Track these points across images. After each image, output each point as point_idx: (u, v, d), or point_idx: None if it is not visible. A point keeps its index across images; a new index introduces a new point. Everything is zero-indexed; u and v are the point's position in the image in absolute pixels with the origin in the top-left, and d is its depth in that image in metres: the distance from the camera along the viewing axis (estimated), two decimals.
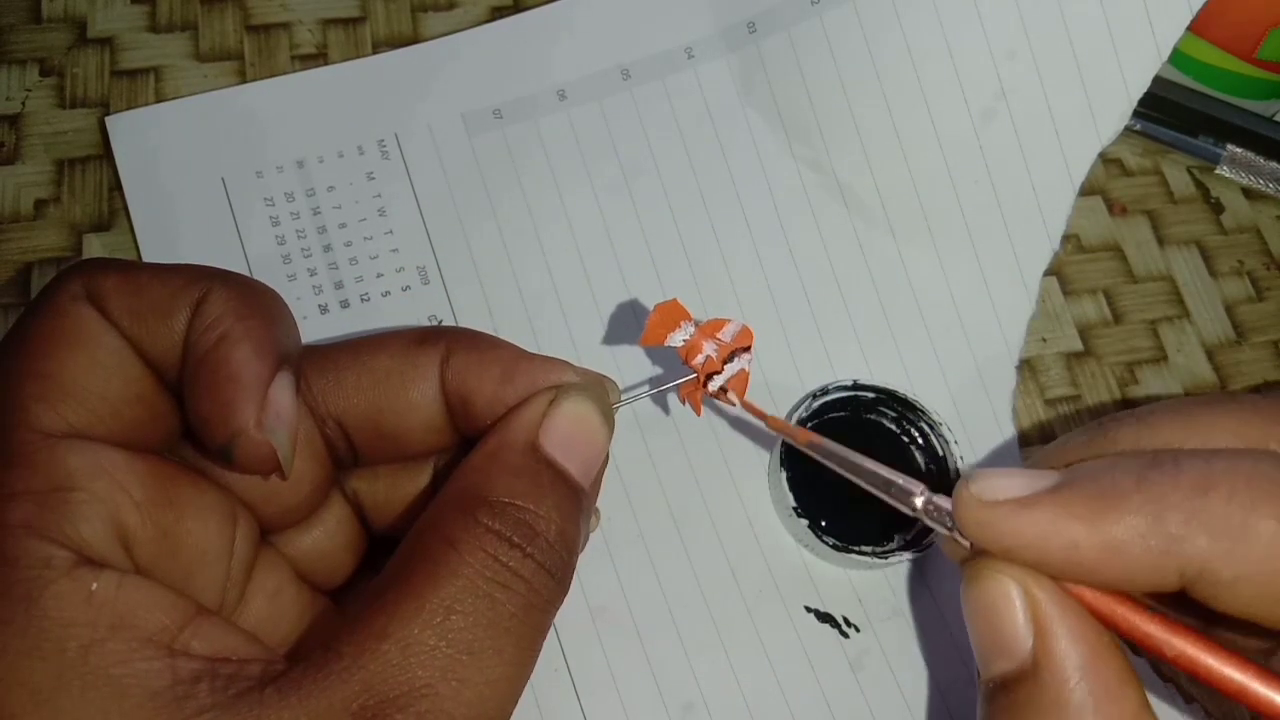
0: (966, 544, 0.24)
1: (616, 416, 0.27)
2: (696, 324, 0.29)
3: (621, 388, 0.38)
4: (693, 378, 0.29)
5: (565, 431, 0.25)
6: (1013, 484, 0.23)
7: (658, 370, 0.39)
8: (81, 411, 0.22)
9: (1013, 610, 0.22)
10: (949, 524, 0.24)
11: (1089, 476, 0.23)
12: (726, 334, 0.29)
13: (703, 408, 0.29)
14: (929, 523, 0.24)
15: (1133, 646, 0.23)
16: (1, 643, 0.19)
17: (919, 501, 0.24)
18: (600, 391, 0.26)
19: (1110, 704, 0.22)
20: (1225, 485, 0.22)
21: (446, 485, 0.24)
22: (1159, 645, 0.22)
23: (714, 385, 0.29)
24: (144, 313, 0.23)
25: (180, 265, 0.24)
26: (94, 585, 0.20)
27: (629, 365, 0.39)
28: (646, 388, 0.29)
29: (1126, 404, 0.41)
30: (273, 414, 0.22)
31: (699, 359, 0.29)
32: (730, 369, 0.29)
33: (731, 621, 0.36)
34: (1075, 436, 0.26)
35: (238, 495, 0.25)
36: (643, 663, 0.36)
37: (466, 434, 0.27)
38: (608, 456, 0.27)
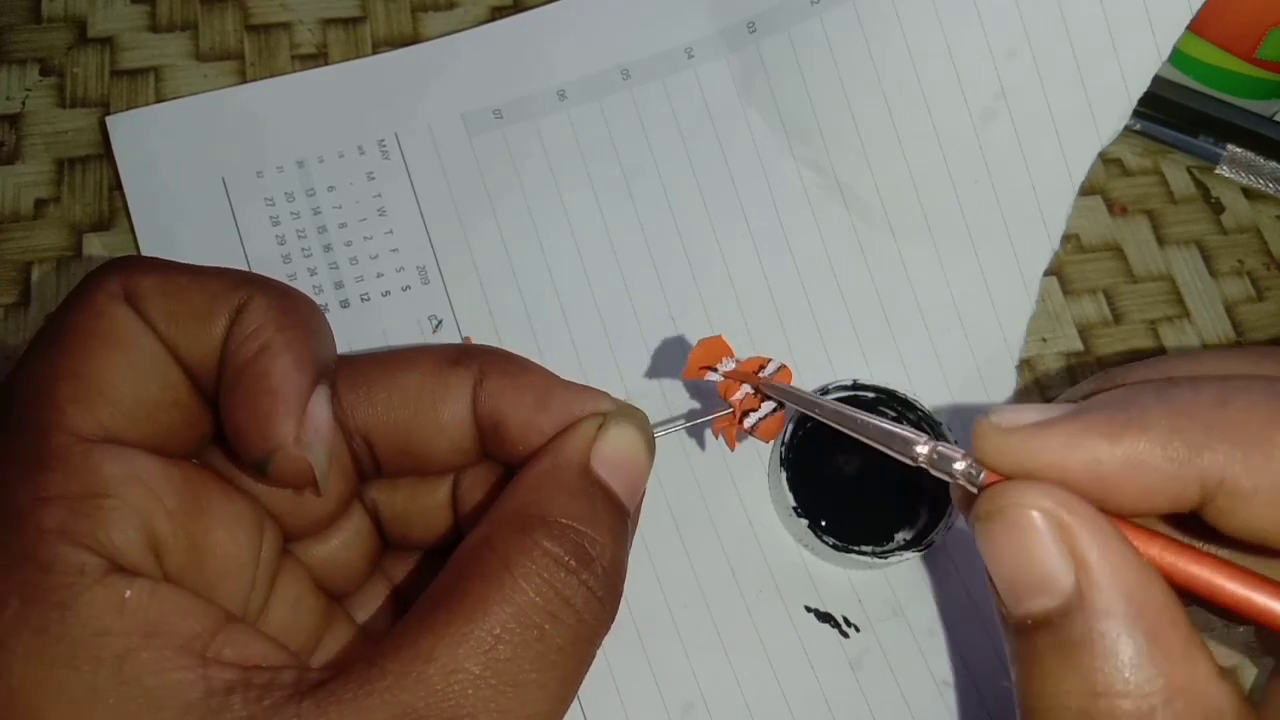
0: (975, 489, 0.23)
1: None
2: (737, 361, 0.29)
3: (626, 392, 0.39)
4: (728, 413, 0.29)
5: (615, 456, 0.25)
6: (1031, 412, 0.22)
7: (660, 373, 0.39)
8: (117, 415, 0.22)
9: (1044, 541, 0.21)
10: (954, 473, 0.23)
11: (1108, 399, 0.22)
12: (766, 373, 0.29)
13: (737, 443, 0.29)
14: (934, 472, 0.24)
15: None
16: (37, 650, 0.19)
17: (923, 450, 0.24)
18: (643, 418, 0.26)
19: (1165, 631, 0.21)
20: (1245, 398, 0.21)
21: (499, 502, 0.24)
22: (1185, 575, 0.21)
23: (749, 422, 0.29)
24: (182, 316, 0.23)
25: (219, 269, 0.24)
26: (127, 593, 0.20)
27: (630, 366, 0.39)
28: (683, 421, 0.29)
29: None
30: (311, 429, 0.22)
31: (737, 396, 0.29)
32: (766, 407, 0.29)
33: (731, 621, 0.36)
34: (1084, 385, 0.25)
35: (264, 505, 0.25)
36: (643, 663, 0.36)
37: (495, 457, 0.27)
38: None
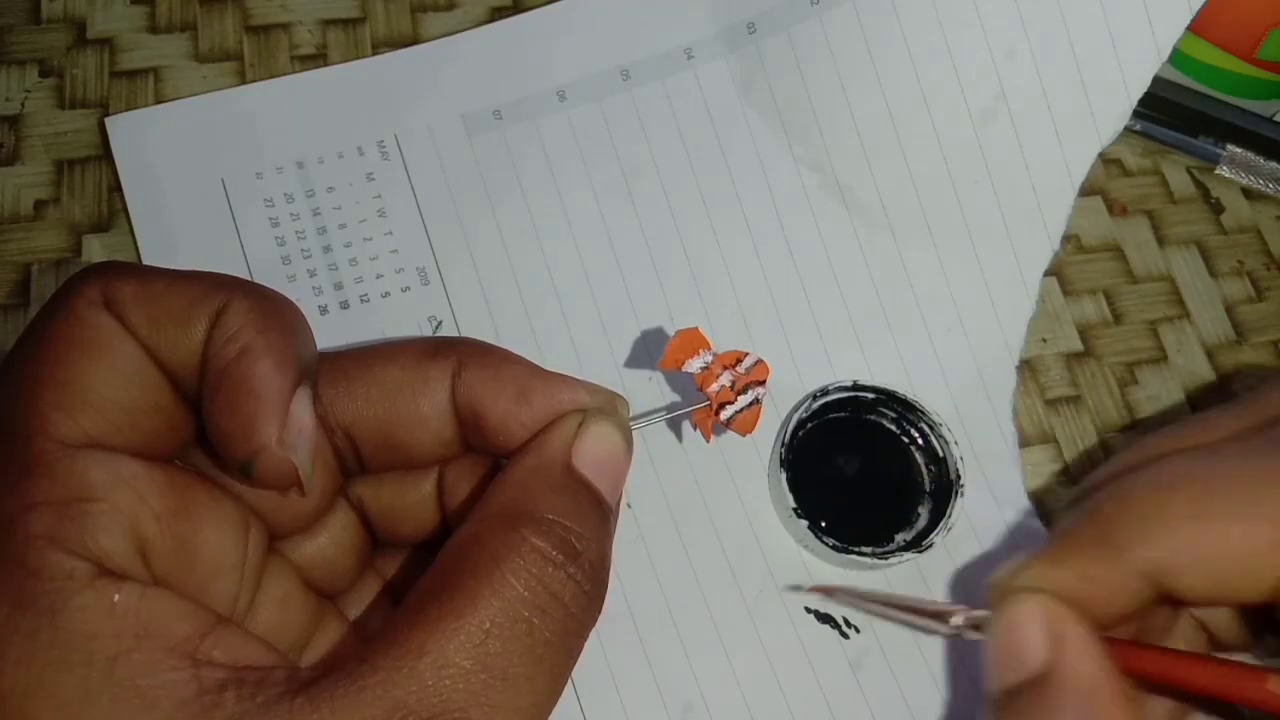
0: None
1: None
2: (715, 354, 0.30)
3: (623, 390, 0.38)
4: (705, 404, 0.30)
5: (596, 454, 0.25)
6: (1020, 557, 0.27)
7: (658, 374, 0.39)
8: (100, 421, 0.22)
9: (1035, 627, 0.25)
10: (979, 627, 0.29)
11: (1065, 524, 0.27)
12: (743, 366, 0.30)
13: (713, 435, 0.30)
14: (970, 635, 0.29)
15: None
16: (29, 655, 0.19)
17: (959, 620, 0.29)
18: (621, 415, 0.27)
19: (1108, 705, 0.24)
20: (1142, 489, 0.26)
21: (485, 499, 0.24)
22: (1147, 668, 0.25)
23: (725, 414, 0.30)
24: (162, 321, 0.23)
25: (197, 273, 0.24)
26: (116, 597, 0.20)
27: (630, 367, 0.39)
28: (663, 413, 0.30)
29: (1127, 405, 0.41)
30: (294, 430, 0.22)
31: (714, 387, 0.30)
32: (743, 400, 0.30)
33: (731, 621, 0.36)
34: (1074, 490, 0.31)
35: (249, 504, 0.25)
36: (643, 663, 0.36)
37: (476, 447, 0.27)
38: None
